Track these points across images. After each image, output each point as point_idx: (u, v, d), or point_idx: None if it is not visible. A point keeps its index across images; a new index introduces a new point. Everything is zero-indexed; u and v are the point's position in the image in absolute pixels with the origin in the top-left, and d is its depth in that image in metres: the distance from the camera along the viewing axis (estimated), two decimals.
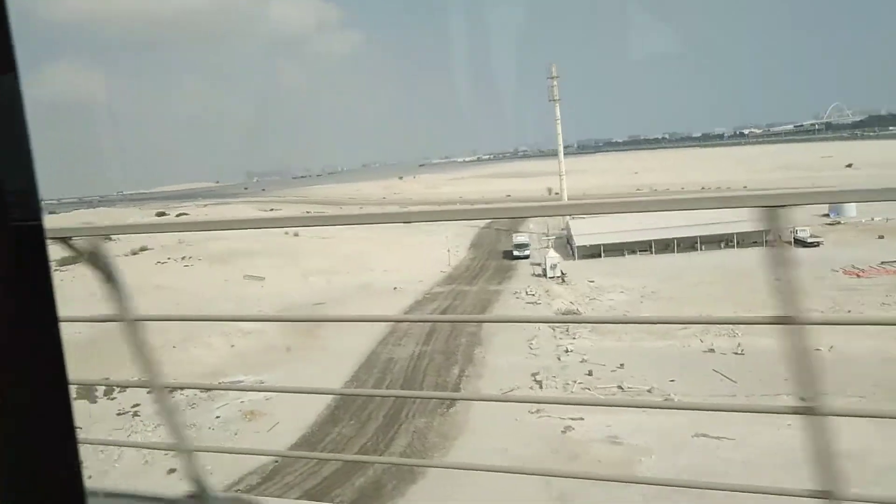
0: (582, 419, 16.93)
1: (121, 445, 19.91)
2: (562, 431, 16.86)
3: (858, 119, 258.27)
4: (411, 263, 41.93)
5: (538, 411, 16.91)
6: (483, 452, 15.09)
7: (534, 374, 21.58)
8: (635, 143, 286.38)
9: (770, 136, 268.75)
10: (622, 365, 21.61)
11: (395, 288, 36.59)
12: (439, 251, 46.18)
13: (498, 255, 45.69)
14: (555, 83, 56.63)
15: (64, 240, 2.08)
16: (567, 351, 23.28)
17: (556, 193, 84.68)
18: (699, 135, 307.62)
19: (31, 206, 1.07)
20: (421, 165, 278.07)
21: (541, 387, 20.17)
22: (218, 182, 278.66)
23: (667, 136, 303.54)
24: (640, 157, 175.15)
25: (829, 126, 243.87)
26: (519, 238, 44.42)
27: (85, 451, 1.23)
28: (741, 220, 41.67)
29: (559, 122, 57.50)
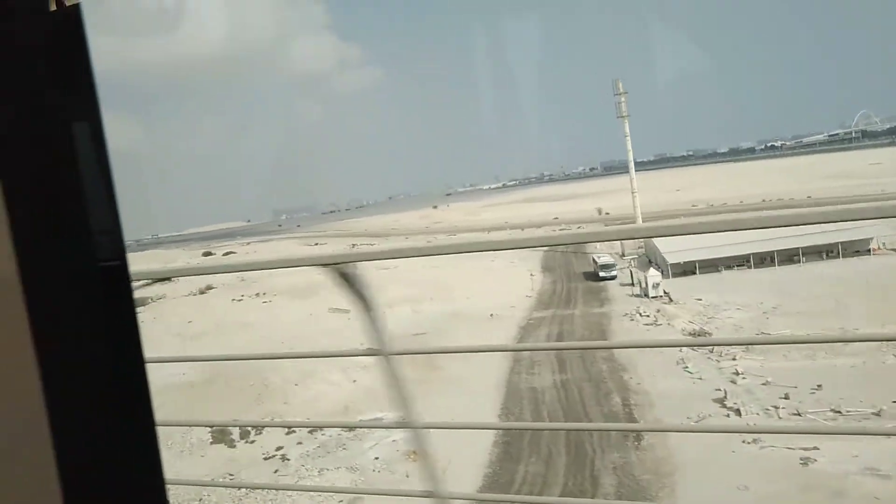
0: (817, 448, 15.21)
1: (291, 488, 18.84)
2: (801, 463, 15.09)
3: (890, 126, 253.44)
4: (492, 289, 40.53)
5: (754, 441, 15.42)
6: (719, 491, 13.58)
7: (720, 401, 19.86)
8: (662, 162, 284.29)
9: (803, 147, 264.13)
10: (819, 386, 19.74)
11: (490, 315, 35.29)
12: (514, 275, 44.89)
13: (578, 276, 44.02)
14: (623, 99, 55.75)
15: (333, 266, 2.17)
16: (738, 373, 21.56)
17: (607, 214, 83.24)
18: (725, 150, 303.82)
19: (116, 246, 1.12)
20: (447, 195, 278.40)
21: (738, 414, 18.56)
22: (249, 221, 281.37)
23: (691, 152, 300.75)
24: (675, 175, 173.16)
25: (864, 134, 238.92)
26: (604, 258, 42.84)
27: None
28: (844, 230, 40.08)
29: (629, 138, 56.43)
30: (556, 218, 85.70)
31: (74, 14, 1.04)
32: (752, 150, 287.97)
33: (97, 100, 1.06)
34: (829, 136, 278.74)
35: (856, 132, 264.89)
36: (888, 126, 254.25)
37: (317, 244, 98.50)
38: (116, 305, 1.07)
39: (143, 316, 44.50)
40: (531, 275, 43.18)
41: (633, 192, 53.65)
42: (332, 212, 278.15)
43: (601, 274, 41.40)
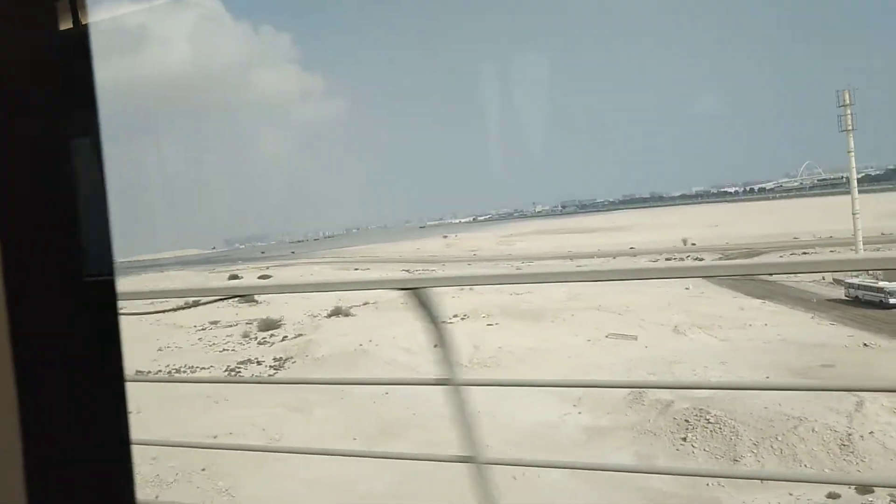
0: None
1: None
2: None
3: (835, 176, 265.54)
4: (750, 321, 33.34)
5: None
6: None
7: None
8: (629, 202, 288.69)
9: (756, 194, 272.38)
10: None
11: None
12: (723, 304, 38.35)
13: (831, 305, 37.23)
14: (848, 111, 51.42)
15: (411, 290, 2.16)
16: None
17: (693, 244, 79.16)
18: (677, 194, 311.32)
19: (106, 262, 1.15)
20: (421, 227, 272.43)
21: None
22: (214, 248, 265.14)
23: (651, 194, 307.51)
24: (668, 213, 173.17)
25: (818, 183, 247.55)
26: (891, 285, 36.32)
27: None
28: None
29: (852, 154, 51.92)
30: (633, 248, 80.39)
31: (84, 33, 1.09)
32: (705, 194, 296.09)
33: (98, 117, 1.09)
34: (776, 184, 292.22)
35: (802, 181, 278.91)
36: (837, 175, 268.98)
37: (357, 269, 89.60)
38: (101, 321, 1.10)
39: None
40: (756, 306, 36.77)
41: (853, 214, 48.75)
42: (300, 241, 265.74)
43: (892, 301, 35.04)
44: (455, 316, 36.83)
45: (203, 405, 23.94)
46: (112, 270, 1.11)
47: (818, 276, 42.52)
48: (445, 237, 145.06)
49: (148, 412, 10.61)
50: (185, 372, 32.03)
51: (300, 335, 39.08)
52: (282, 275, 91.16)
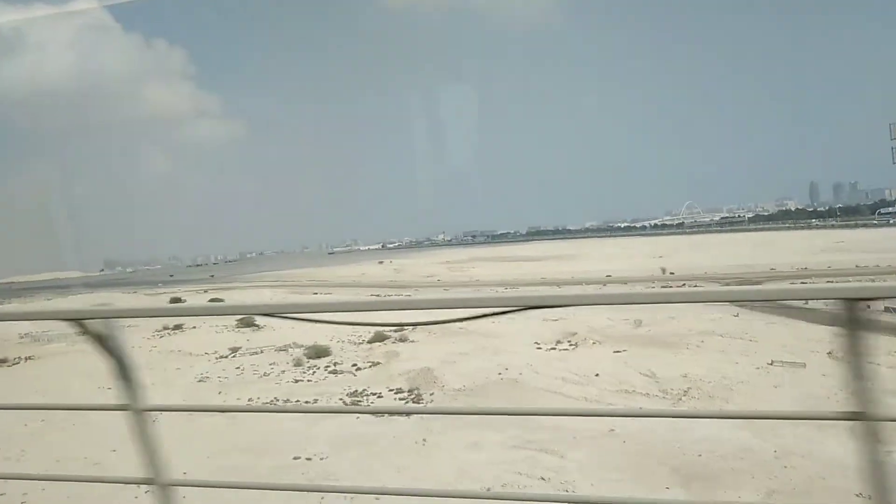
0: None
1: None
2: None
3: (717, 216, 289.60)
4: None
5: None
6: None
7: None
8: (535, 234, 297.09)
9: (641, 230, 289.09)
10: None
11: None
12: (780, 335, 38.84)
13: None
14: None
15: (78, 321, 2.10)
16: None
17: (672, 273, 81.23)
18: (576, 227, 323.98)
19: None
20: (330, 254, 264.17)
21: None
22: (102, 270, 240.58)
23: (555, 227, 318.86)
24: (583, 245, 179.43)
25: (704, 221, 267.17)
26: None
27: None
28: None
29: None
30: (609, 276, 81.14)
31: None
32: (600, 228, 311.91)
33: None
34: (661, 221, 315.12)
35: (683, 219, 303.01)
36: (718, 216, 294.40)
37: (317, 293, 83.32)
38: None
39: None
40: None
41: None
42: (198, 265, 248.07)
43: None
44: (559, 343, 34.24)
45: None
46: None
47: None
48: (381, 262, 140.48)
49: None
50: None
51: (375, 363, 34.54)
52: (235, 298, 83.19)
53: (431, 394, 26.70)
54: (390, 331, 43.29)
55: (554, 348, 32.95)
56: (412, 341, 39.40)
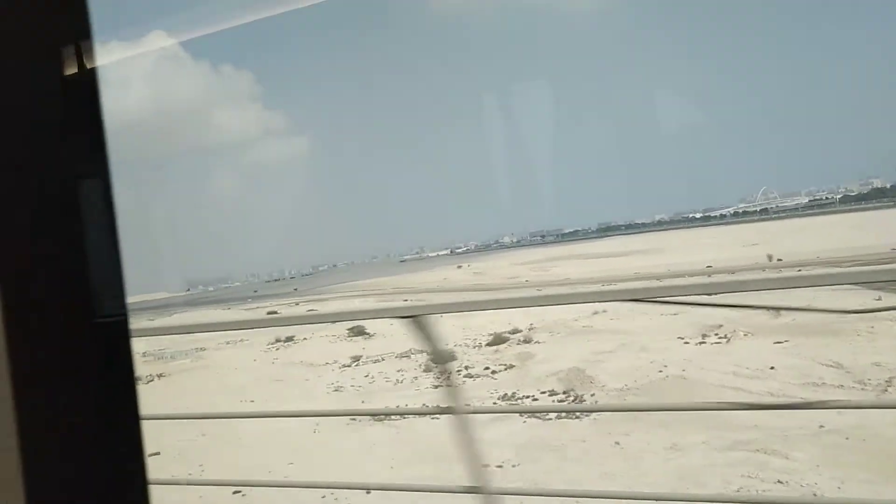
0: None
1: None
2: None
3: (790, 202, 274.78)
4: None
5: None
6: None
7: None
8: (607, 230, 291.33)
9: (718, 219, 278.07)
10: None
11: None
12: None
13: None
14: None
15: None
16: None
17: (780, 259, 77.31)
18: (640, 221, 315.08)
19: (118, 302, 1.15)
20: (402, 261, 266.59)
21: None
22: (189, 290, 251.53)
23: (626, 223, 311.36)
24: (664, 238, 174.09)
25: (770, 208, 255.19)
26: None
27: None
28: None
29: None
30: (710, 266, 77.68)
31: (92, 76, 1.10)
32: (672, 221, 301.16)
33: (107, 159, 1.11)
34: (736, 209, 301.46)
35: (765, 204, 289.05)
36: (797, 200, 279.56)
37: (419, 300, 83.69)
38: (114, 361, 1.09)
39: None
40: None
41: None
42: (276, 280, 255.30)
43: None
44: (706, 336, 32.33)
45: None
46: (125, 310, 1.09)
47: None
48: (459, 267, 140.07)
49: None
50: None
51: (510, 366, 33.54)
52: (327, 310, 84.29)
53: (592, 394, 25.44)
54: (508, 332, 42.41)
55: (703, 342, 31.05)
56: (538, 342, 38.21)
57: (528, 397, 27.09)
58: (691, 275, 73.71)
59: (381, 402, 31.18)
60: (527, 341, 38.98)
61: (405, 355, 42.16)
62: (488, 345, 41.57)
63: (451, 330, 44.48)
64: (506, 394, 28.19)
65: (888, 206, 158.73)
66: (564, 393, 27.01)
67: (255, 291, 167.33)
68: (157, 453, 25.55)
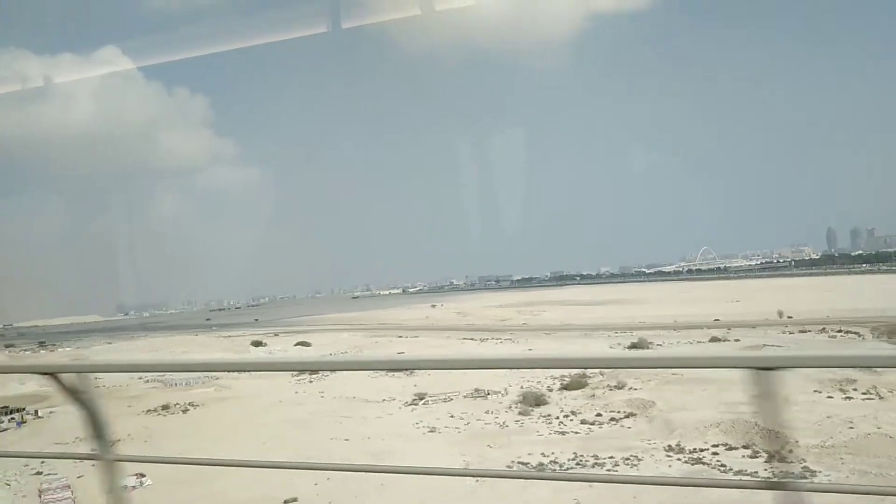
0: None
1: None
2: None
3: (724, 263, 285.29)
4: None
5: None
6: None
7: None
8: (559, 279, 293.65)
9: (662, 275, 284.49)
10: None
11: None
12: None
13: None
14: None
15: (52, 375, 2.18)
16: None
17: (790, 317, 77.52)
18: (593, 272, 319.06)
19: None
20: (354, 297, 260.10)
21: None
22: (127, 314, 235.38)
23: (577, 273, 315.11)
24: (627, 289, 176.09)
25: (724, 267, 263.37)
26: None
27: None
28: None
29: None
30: (718, 320, 77.42)
31: None
32: (614, 275, 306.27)
33: None
34: (678, 266, 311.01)
35: (699, 264, 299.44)
36: (733, 262, 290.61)
37: (402, 337, 79.13)
38: None
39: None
40: None
41: None
42: (220, 309, 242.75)
43: None
44: (842, 387, 30.53)
45: None
46: None
47: None
48: (434, 306, 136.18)
49: None
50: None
51: (629, 413, 30.58)
52: (320, 341, 78.84)
53: (790, 450, 22.70)
54: (579, 376, 39.50)
55: (851, 397, 29.18)
56: (631, 388, 35.52)
57: (700, 450, 24.20)
58: (708, 327, 72.84)
59: (515, 452, 27.44)
60: (618, 387, 36.26)
61: (475, 395, 38.56)
62: (565, 388, 38.59)
63: (486, 371, 41.23)
64: (671, 445, 25.21)
65: (838, 273, 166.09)
66: (745, 447, 24.13)
67: (208, 319, 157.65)
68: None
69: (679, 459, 23.08)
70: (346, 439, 28.75)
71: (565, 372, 40.48)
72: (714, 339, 60.90)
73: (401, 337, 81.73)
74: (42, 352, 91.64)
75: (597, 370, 41.04)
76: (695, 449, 24.27)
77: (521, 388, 38.27)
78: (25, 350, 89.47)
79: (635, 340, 60.86)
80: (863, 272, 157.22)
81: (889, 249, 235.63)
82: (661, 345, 60.95)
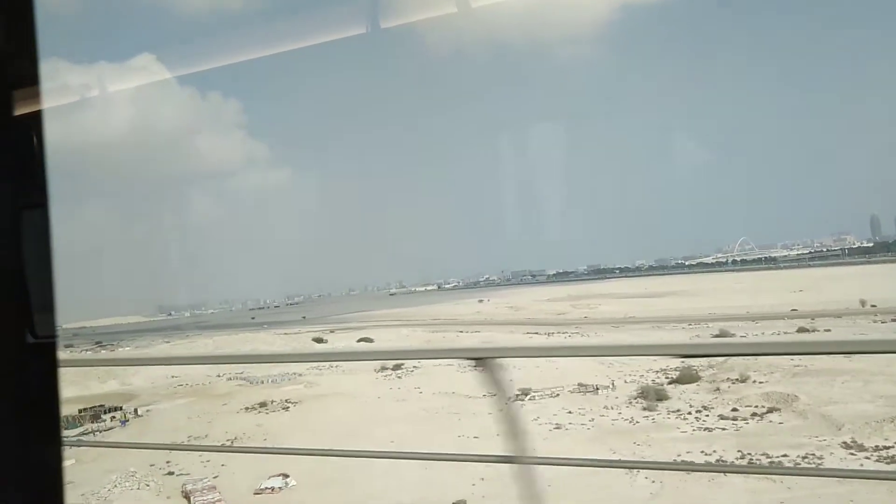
0: None
1: None
2: None
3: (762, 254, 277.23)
4: None
5: None
6: None
7: None
8: (598, 273, 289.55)
9: (698, 266, 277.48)
10: None
11: None
12: None
13: None
14: None
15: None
16: None
17: (874, 306, 74.41)
18: (625, 265, 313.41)
19: (49, 326, 1.16)
20: (392, 294, 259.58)
21: None
22: (171, 314, 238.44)
23: (616, 267, 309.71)
24: (675, 281, 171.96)
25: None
26: None
27: None
28: None
29: None
30: (795, 310, 74.56)
31: (37, 118, 1.16)
32: (653, 267, 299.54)
33: (47, 192, 1.17)
34: (714, 259, 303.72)
35: (736, 256, 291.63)
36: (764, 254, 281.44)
37: (462, 332, 77.70)
38: (40, 382, 1.13)
39: None
40: None
41: None
42: (260, 308, 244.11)
43: None
44: None
45: None
46: (54, 334, 1.13)
47: None
48: (481, 301, 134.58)
49: None
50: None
51: (772, 408, 28.60)
52: (384, 337, 77.82)
53: None
54: (686, 368, 37.55)
55: None
56: (756, 381, 33.43)
57: (885, 447, 22.24)
58: (788, 317, 70.10)
59: (653, 444, 25.85)
60: (741, 380, 34.24)
61: (582, 390, 36.87)
62: (676, 381, 36.67)
63: (579, 365, 39.33)
64: (845, 442, 23.22)
65: (889, 261, 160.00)
66: None
67: (253, 318, 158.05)
68: None
69: (867, 458, 21.12)
70: (475, 437, 27.30)
71: (662, 364, 38.66)
72: (802, 330, 58.22)
73: (461, 332, 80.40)
74: (103, 351, 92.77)
75: (704, 362, 39.07)
76: (877, 446, 22.26)
77: (625, 381, 36.56)
78: (87, 350, 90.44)
79: (716, 332, 58.55)
80: None
81: None
82: (744, 336, 58.58)
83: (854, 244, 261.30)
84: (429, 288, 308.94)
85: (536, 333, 75.69)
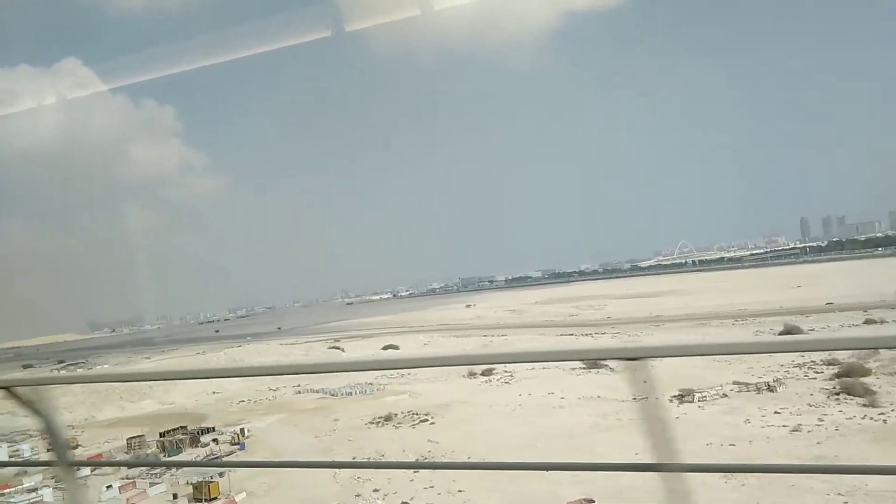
0: None
1: None
2: None
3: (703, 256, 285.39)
4: None
5: None
6: None
7: None
8: (554, 277, 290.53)
9: (639, 270, 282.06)
10: None
11: None
12: None
13: None
14: None
15: (7, 389, 2.10)
16: None
17: (830, 303, 73.12)
18: (572, 270, 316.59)
19: None
20: (348, 304, 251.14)
21: None
22: (113, 331, 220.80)
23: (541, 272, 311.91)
24: (615, 286, 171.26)
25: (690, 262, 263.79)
26: None
27: None
28: None
29: None
30: (831, 303, 73.68)
31: None
32: (595, 272, 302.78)
33: None
34: (656, 261, 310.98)
35: (676, 258, 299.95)
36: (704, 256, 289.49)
37: (488, 337, 72.59)
38: None
39: None
40: None
41: None
42: (210, 321, 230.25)
43: None
44: None
45: None
46: None
47: None
48: (469, 306, 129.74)
49: None
50: None
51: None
52: (406, 344, 71.70)
53: None
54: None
55: None
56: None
57: None
58: (840, 310, 68.18)
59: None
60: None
61: (755, 389, 32.80)
62: (844, 376, 33.32)
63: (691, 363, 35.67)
64: None
65: (848, 258, 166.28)
66: None
67: (217, 332, 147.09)
68: None
69: None
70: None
71: (807, 359, 35.69)
72: (869, 321, 56.53)
73: (486, 336, 75.35)
74: (79, 370, 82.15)
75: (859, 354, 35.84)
76: None
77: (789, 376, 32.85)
78: (55, 369, 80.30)
79: (780, 328, 56.00)
80: (884, 255, 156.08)
81: (860, 237, 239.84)
82: (812, 329, 56.22)
83: (787, 245, 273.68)
84: (383, 297, 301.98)
85: (571, 335, 71.56)
